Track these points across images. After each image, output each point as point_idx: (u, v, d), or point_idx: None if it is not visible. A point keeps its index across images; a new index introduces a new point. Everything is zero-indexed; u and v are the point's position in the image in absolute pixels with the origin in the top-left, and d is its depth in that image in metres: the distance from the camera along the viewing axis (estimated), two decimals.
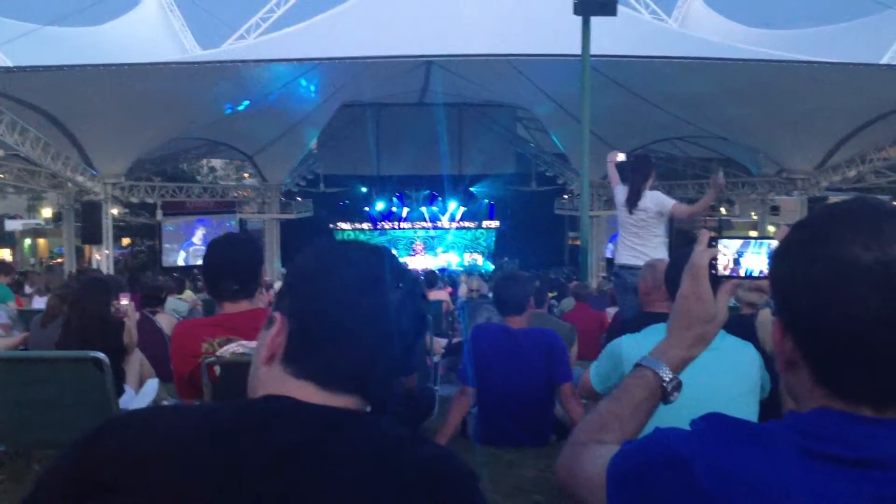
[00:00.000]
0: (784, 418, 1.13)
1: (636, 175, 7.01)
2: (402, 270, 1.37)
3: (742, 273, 1.53)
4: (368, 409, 1.32)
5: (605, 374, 3.51)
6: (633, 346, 3.31)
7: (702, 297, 1.53)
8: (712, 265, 1.53)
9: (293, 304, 1.33)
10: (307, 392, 1.26)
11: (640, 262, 6.91)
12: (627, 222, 7.01)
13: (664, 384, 1.52)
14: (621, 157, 7.44)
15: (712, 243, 1.53)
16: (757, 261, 1.52)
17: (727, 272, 1.54)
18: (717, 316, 1.54)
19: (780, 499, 1.02)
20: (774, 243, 1.48)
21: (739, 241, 1.55)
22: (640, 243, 6.89)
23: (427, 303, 1.34)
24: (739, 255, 1.53)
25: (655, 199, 6.91)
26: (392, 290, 1.32)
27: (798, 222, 1.18)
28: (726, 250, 1.53)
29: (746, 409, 3.04)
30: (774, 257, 1.18)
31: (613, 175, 7.38)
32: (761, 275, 1.53)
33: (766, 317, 4.02)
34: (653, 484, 1.14)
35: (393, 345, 1.32)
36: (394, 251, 1.45)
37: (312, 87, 29.68)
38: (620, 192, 7.08)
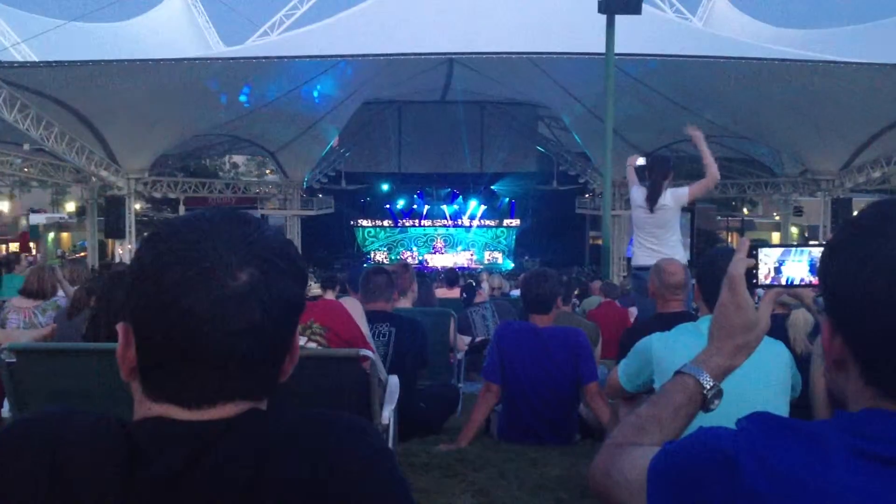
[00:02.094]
0: (833, 418, 1.12)
1: (655, 173, 6.99)
2: (262, 244, 1.12)
3: (783, 282, 1.53)
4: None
5: (633, 373, 3.50)
6: (663, 345, 3.30)
7: (740, 305, 1.52)
8: (753, 274, 1.52)
9: (130, 310, 1.12)
10: (176, 414, 1.10)
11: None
12: (646, 222, 7.00)
13: (704, 392, 1.52)
14: (641, 160, 7.44)
15: (752, 252, 1.52)
16: (798, 269, 1.52)
17: (768, 281, 1.53)
18: (758, 324, 1.53)
19: (833, 499, 1.01)
20: (815, 251, 1.47)
21: (780, 250, 1.54)
22: (657, 244, 6.88)
23: (304, 280, 1.18)
24: (780, 264, 1.52)
25: (673, 195, 6.92)
26: (243, 276, 1.08)
27: (850, 220, 1.16)
28: (767, 259, 1.53)
29: (776, 408, 3.01)
30: (825, 255, 1.17)
31: (632, 177, 7.39)
32: (802, 283, 1.52)
33: (797, 318, 4.00)
34: (698, 483, 1.13)
35: (259, 341, 1.10)
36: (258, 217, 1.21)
37: (334, 85, 29.76)
38: (639, 192, 7.06)
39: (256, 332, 1.09)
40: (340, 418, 1.15)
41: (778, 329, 3.53)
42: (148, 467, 1.04)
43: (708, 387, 1.51)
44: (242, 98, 27.52)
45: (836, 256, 1.14)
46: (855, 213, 1.18)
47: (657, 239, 6.93)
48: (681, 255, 6.96)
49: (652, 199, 6.89)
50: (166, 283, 1.07)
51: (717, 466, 1.11)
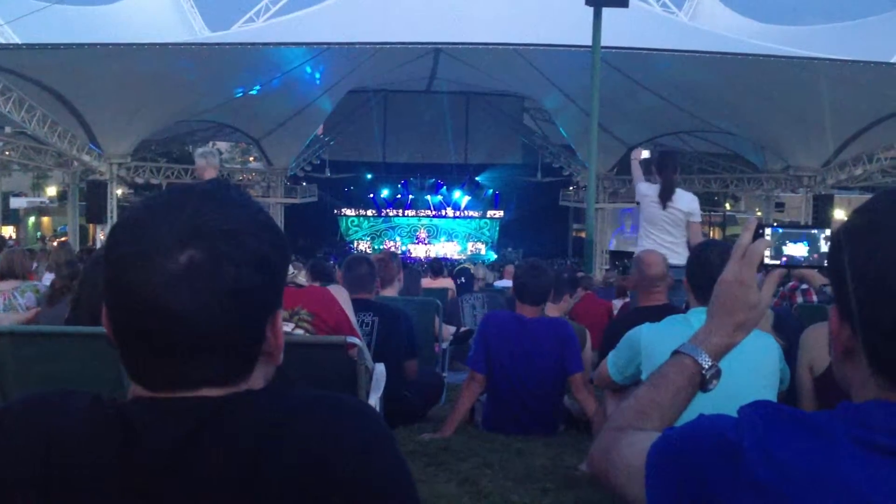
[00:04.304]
0: (837, 408, 1.11)
1: (668, 170, 6.88)
2: (212, 225, 1.06)
3: (791, 262, 1.52)
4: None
5: (622, 364, 3.51)
6: (652, 336, 3.30)
7: (745, 283, 1.49)
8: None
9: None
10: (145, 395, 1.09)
11: (674, 261, 6.79)
12: (660, 218, 6.80)
13: (703, 371, 1.50)
14: (645, 154, 7.38)
15: (759, 231, 1.51)
16: (798, 249, 1.51)
17: (771, 261, 1.53)
18: (760, 303, 1.52)
19: (839, 490, 1.01)
20: (814, 231, 1.48)
21: (780, 230, 1.54)
22: (672, 241, 6.67)
23: (261, 266, 1.07)
24: (782, 244, 1.52)
25: (689, 204, 6.79)
26: (183, 258, 1.03)
27: (859, 208, 1.16)
28: (769, 239, 1.52)
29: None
30: (835, 244, 1.16)
31: (637, 171, 7.29)
32: (804, 262, 1.52)
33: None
34: (699, 469, 1.12)
35: (197, 329, 1.04)
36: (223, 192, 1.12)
37: (320, 73, 29.65)
38: (650, 189, 6.91)
39: (192, 319, 1.04)
40: (343, 400, 1.13)
41: None
42: (144, 447, 1.03)
43: (706, 366, 1.50)
44: (254, 92, 27.48)
45: (846, 245, 1.13)
46: (865, 202, 1.17)
47: (671, 236, 6.73)
48: (685, 253, 6.86)
49: (665, 196, 6.77)
50: (110, 261, 1.07)
51: (719, 454, 1.10)
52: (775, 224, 1.59)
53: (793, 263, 1.53)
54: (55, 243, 28.27)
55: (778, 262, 1.53)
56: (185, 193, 1.10)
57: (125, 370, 1.10)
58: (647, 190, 6.93)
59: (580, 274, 14.43)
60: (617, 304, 9.92)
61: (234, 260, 1.05)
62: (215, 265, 1.04)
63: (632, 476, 1.28)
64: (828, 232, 1.51)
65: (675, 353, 1.54)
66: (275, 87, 28.54)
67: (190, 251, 1.03)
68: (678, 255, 6.72)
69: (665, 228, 6.82)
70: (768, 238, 1.52)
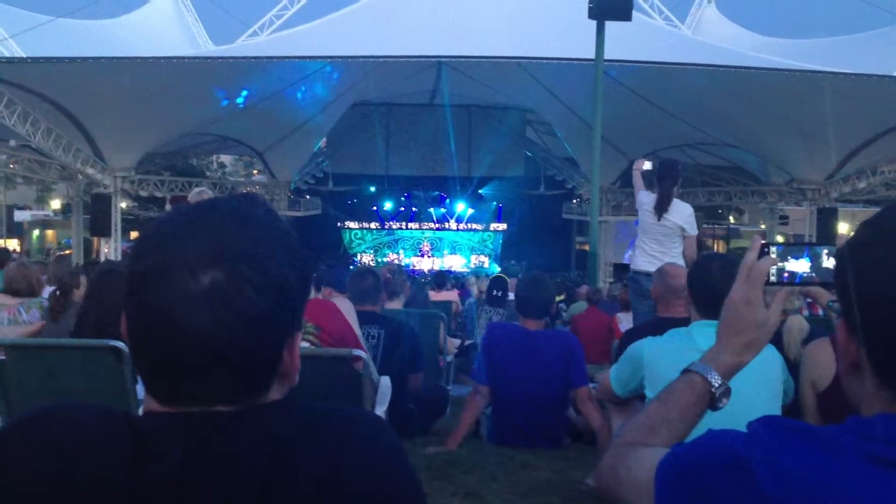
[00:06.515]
0: (845, 422, 1.11)
1: (666, 181, 6.87)
2: (238, 247, 1.06)
3: (793, 279, 1.52)
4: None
5: (625, 378, 3.50)
6: (654, 350, 3.29)
7: (752, 302, 1.50)
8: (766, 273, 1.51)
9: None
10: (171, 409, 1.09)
11: (652, 269, 6.83)
12: (652, 228, 6.85)
13: (713, 390, 1.51)
14: (647, 165, 7.37)
15: (764, 250, 1.51)
16: (800, 266, 1.51)
17: (774, 279, 1.52)
18: (767, 322, 1.52)
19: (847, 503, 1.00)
20: (816, 248, 1.48)
21: (782, 247, 1.54)
22: (661, 251, 6.71)
23: (280, 292, 1.06)
24: (784, 261, 1.52)
25: (684, 218, 6.76)
26: (205, 279, 1.03)
27: (865, 222, 1.16)
28: (775, 256, 1.52)
29: (770, 413, 3.00)
30: (842, 257, 1.16)
31: (638, 182, 7.30)
32: (812, 279, 1.52)
33: (792, 323, 4.00)
34: (708, 486, 1.11)
35: (210, 350, 1.04)
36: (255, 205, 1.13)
37: (323, 86, 29.73)
38: (647, 198, 6.93)
39: (208, 339, 1.03)
40: (355, 412, 1.14)
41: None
42: (154, 462, 1.03)
43: (716, 385, 1.50)
44: (240, 101, 27.49)
45: (852, 259, 1.13)
46: (871, 216, 1.17)
47: (661, 246, 6.77)
48: (682, 264, 6.87)
49: (661, 208, 6.76)
50: (132, 273, 1.06)
51: (728, 470, 1.10)
52: (779, 242, 1.59)
53: (794, 281, 1.53)
54: (53, 257, 28.30)
55: (781, 281, 1.53)
56: (212, 210, 1.10)
57: (141, 382, 1.10)
58: (645, 199, 6.95)
59: (585, 287, 14.44)
60: (622, 317, 9.90)
61: (254, 284, 1.05)
62: (236, 288, 1.04)
63: (640, 492, 1.27)
64: (829, 249, 1.51)
65: (686, 370, 1.55)
66: (278, 100, 28.61)
67: (212, 272, 1.03)
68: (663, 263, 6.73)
69: (656, 238, 6.85)
70: (773, 256, 1.52)
